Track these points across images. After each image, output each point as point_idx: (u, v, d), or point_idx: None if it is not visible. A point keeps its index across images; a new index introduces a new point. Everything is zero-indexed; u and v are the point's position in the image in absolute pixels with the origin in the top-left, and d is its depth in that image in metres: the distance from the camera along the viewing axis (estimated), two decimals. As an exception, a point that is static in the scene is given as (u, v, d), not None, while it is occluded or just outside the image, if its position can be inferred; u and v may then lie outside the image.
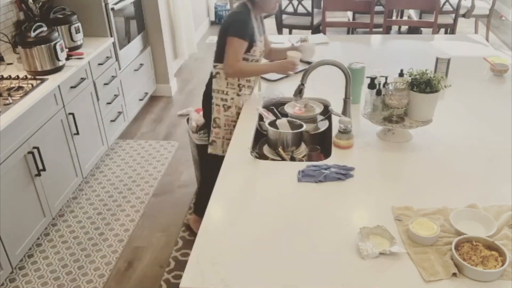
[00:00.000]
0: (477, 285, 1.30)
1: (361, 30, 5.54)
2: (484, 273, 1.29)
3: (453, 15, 5.08)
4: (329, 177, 1.79)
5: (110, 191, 3.31)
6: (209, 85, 2.52)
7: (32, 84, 2.75)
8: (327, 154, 2.04)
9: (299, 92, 2.16)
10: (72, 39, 3.29)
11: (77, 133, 3.09)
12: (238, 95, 2.45)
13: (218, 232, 1.56)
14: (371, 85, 2.06)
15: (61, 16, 3.30)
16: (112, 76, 3.64)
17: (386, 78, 2.06)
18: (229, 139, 2.23)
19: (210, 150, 2.54)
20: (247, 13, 2.35)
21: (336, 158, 1.94)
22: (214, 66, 2.45)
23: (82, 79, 3.16)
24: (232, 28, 2.30)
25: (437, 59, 2.66)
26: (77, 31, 3.32)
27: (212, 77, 2.48)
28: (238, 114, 2.45)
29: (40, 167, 2.66)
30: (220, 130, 2.49)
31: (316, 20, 5.42)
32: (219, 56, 2.40)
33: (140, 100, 4.24)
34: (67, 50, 3.11)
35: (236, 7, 2.40)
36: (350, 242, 1.49)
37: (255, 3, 2.36)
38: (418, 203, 1.66)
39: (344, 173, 1.81)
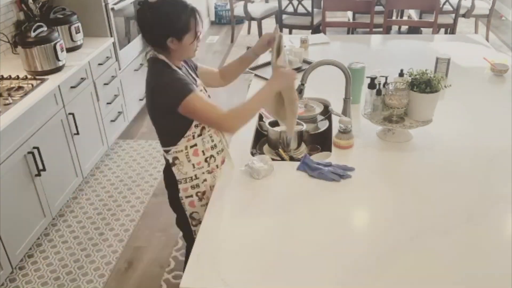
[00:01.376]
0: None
1: (361, 30, 5.54)
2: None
3: (453, 15, 5.08)
4: (323, 176, 1.79)
5: (110, 191, 3.31)
6: (167, 178, 1.92)
7: (32, 84, 2.75)
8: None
9: (299, 92, 2.16)
10: (72, 39, 3.29)
11: (77, 133, 3.09)
12: (209, 172, 1.87)
13: (218, 232, 1.55)
14: (371, 85, 2.06)
15: (61, 16, 3.31)
16: (112, 76, 3.64)
17: (386, 78, 2.06)
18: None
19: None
20: (169, 68, 1.72)
21: (336, 158, 1.94)
22: (166, 152, 1.83)
23: (82, 79, 3.16)
24: (175, 94, 1.67)
25: (437, 59, 2.66)
26: (77, 31, 3.32)
27: (168, 166, 1.87)
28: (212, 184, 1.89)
29: (40, 167, 2.66)
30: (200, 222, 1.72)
31: (316, 20, 5.42)
32: (168, 139, 1.82)
33: (140, 100, 4.24)
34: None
35: (151, 69, 1.75)
36: (350, 242, 1.49)
37: (170, 52, 1.72)
38: (418, 203, 1.66)
39: (341, 174, 1.81)
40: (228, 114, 1.72)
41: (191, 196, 1.86)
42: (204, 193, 1.87)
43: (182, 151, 1.80)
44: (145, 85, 1.76)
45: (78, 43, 3.34)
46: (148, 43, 1.74)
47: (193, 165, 1.82)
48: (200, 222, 1.77)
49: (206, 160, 1.84)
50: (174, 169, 1.84)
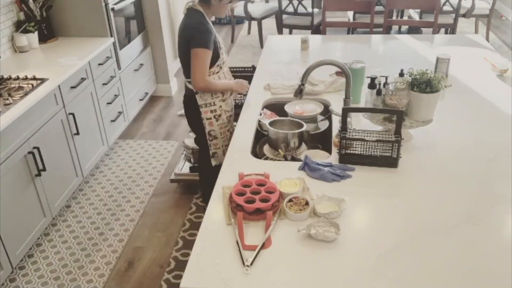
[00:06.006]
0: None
1: (361, 30, 5.54)
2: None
3: (453, 15, 5.09)
4: (323, 177, 1.80)
5: (110, 191, 3.31)
6: (189, 104, 2.48)
7: (32, 84, 2.75)
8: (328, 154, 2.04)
9: (299, 92, 2.16)
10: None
11: (77, 133, 3.09)
12: (223, 100, 2.46)
13: (218, 232, 1.56)
14: (371, 85, 2.06)
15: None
16: (112, 76, 3.64)
17: (386, 78, 2.06)
18: (228, 145, 2.23)
19: (214, 163, 2.57)
20: (204, 20, 2.29)
21: (336, 158, 1.94)
22: (190, 82, 2.37)
23: (82, 79, 3.16)
24: (195, 40, 2.23)
25: (437, 59, 2.66)
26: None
27: (192, 94, 2.41)
28: (228, 118, 2.51)
29: (40, 167, 2.67)
30: (218, 140, 2.51)
31: (316, 20, 5.42)
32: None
33: (141, 100, 4.24)
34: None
35: (190, 16, 2.31)
36: (350, 241, 1.49)
37: (209, 5, 2.30)
38: (418, 203, 1.66)
39: (340, 175, 1.81)
40: (206, 81, 2.28)
41: (210, 118, 2.44)
42: (220, 115, 2.45)
43: (191, 83, 2.33)
44: (181, 27, 2.31)
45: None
46: None
47: (211, 94, 2.39)
48: (215, 138, 2.49)
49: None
50: (197, 96, 2.39)
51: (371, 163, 1.86)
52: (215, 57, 2.33)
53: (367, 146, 1.85)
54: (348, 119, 1.95)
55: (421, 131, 2.07)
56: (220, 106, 2.44)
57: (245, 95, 2.61)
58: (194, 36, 2.23)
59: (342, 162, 1.89)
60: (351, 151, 1.88)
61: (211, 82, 2.31)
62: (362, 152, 1.86)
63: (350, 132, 1.90)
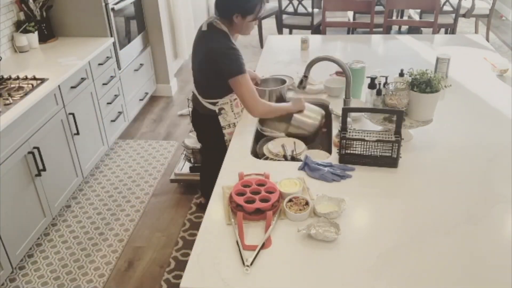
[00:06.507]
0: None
1: (361, 30, 5.54)
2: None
3: (453, 15, 5.08)
4: (323, 177, 1.80)
5: (110, 191, 3.31)
6: (208, 121, 2.37)
7: (32, 84, 2.75)
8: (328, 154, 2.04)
9: (300, 83, 2.19)
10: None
11: (77, 133, 3.09)
12: (239, 116, 2.39)
13: (218, 232, 1.56)
14: (371, 85, 2.06)
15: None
16: (112, 76, 3.64)
17: (386, 78, 2.07)
18: None
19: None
20: (230, 41, 2.17)
21: (336, 158, 1.94)
22: (213, 104, 2.30)
23: (82, 79, 3.16)
24: (232, 68, 2.12)
25: (437, 59, 2.66)
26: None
27: (214, 115, 2.32)
28: None
29: (40, 167, 2.67)
30: None
31: (316, 20, 5.42)
32: (216, 93, 2.29)
33: (141, 100, 4.24)
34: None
35: (214, 36, 2.17)
36: (350, 241, 1.49)
37: (232, 24, 2.18)
38: (418, 203, 1.66)
39: (340, 175, 1.81)
40: (264, 104, 2.17)
41: (231, 136, 2.28)
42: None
43: (227, 103, 2.30)
44: (203, 44, 2.19)
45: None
46: (218, 13, 2.19)
47: (234, 114, 2.33)
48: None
49: (242, 110, 2.34)
50: (220, 118, 2.32)
51: (371, 163, 1.86)
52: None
53: (367, 146, 1.85)
54: (348, 119, 1.95)
55: (421, 131, 2.07)
56: (236, 124, 2.36)
57: None
58: (230, 65, 2.12)
59: (342, 162, 1.89)
60: (351, 151, 1.88)
61: (270, 107, 2.19)
62: (362, 152, 1.86)
63: (350, 132, 1.90)
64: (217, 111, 2.32)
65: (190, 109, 2.58)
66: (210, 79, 2.25)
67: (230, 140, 2.26)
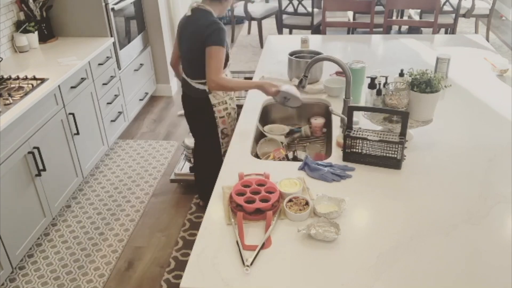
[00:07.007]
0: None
1: (361, 30, 5.54)
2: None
3: (453, 15, 5.08)
4: (323, 177, 1.80)
5: (110, 191, 3.31)
6: (198, 103, 2.47)
7: (32, 84, 2.75)
8: (328, 153, 2.04)
9: (300, 82, 2.20)
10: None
11: (77, 133, 3.09)
12: (231, 98, 2.52)
13: (218, 232, 1.56)
14: (371, 85, 2.06)
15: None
16: (112, 76, 3.64)
17: (386, 78, 2.06)
18: None
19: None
20: (215, 18, 2.29)
21: (337, 158, 1.94)
22: (203, 83, 2.39)
23: (82, 79, 3.16)
24: (212, 38, 2.22)
25: (437, 59, 2.66)
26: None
27: (205, 95, 2.42)
28: (235, 115, 2.57)
29: (40, 167, 2.67)
30: (229, 137, 2.50)
31: (316, 20, 5.42)
32: (203, 71, 2.32)
33: (141, 100, 4.24)
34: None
35: (200, 16, 2.30)
36: (350, 241, 1.49)
37: (221, 2, 2.34)
38: (418, 203, 1.66)
39: (340, 175, 1.81)
40: (221, 79, 2.25)
41: (223, 116, 2.48)
42: (230, 113, 2.51)
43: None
44: (192, 27, 2.29)
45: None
46: None
47: (223, 92, 2.41)
48: (227, 135, 2.52)
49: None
50: (210, 96, 2.41)
51: (375, 163, 1.86)
52: (226, 57, 2.33)
53: (372, 146, 1.84)
54: (355, 119, 1.95)
55: (421, 131, 2.07)
56: (230, 104, 2.50)
57: (245, 96, 2.61)
58: (210, 34, 2.22)
59: (345, 160, 1.88)
60: (355, 150, 1.87)
61: (226, 80, 2.28)
62: (366, 152, 1.86)
63: (354, 131, 1.90)
64: (207, 90, 2.39)
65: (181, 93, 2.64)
66: (198, 59, 2.31)
67: (221, 118, 2.47)
